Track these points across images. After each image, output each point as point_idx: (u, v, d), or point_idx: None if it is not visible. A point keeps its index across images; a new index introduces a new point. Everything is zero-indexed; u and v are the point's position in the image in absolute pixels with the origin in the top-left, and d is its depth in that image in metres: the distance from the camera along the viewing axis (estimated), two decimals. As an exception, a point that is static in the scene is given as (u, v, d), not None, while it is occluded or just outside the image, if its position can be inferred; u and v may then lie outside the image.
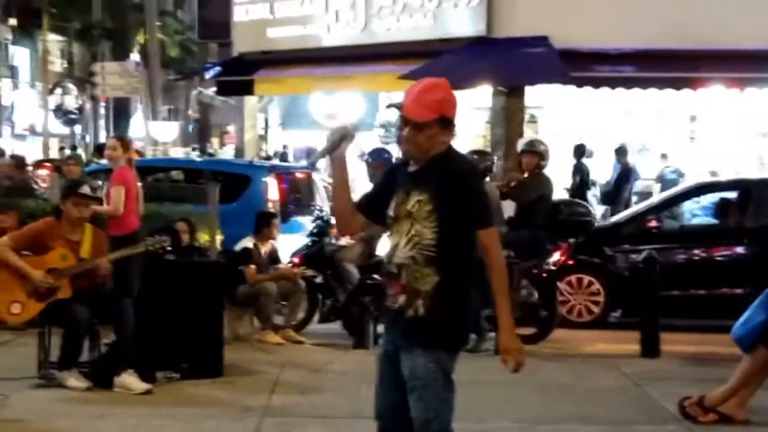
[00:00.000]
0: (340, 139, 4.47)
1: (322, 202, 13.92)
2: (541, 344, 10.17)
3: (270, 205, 12.61)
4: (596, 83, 16.41)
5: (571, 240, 11.41)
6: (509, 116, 16.67)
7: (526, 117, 17.53)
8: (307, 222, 12.64)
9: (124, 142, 10.36)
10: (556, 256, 11.20)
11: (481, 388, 7.81)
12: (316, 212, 11.36)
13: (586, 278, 11.76)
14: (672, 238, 12.13)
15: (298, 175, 14.43)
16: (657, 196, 14.36)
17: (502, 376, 8.39)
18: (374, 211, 4.51)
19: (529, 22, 16.23)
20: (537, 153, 10.43)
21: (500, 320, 4.34)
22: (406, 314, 4.34)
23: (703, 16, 15.68)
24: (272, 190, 12.96)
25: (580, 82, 16.02)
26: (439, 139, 4.35)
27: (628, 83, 16.39)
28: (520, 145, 10.95)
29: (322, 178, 14.90)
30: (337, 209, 4.68)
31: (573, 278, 11.77)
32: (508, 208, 10.64)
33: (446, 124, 4.36)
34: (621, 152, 18.72)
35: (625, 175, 18.53)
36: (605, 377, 8.57)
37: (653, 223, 12.00)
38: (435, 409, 4.33)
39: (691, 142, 20.60)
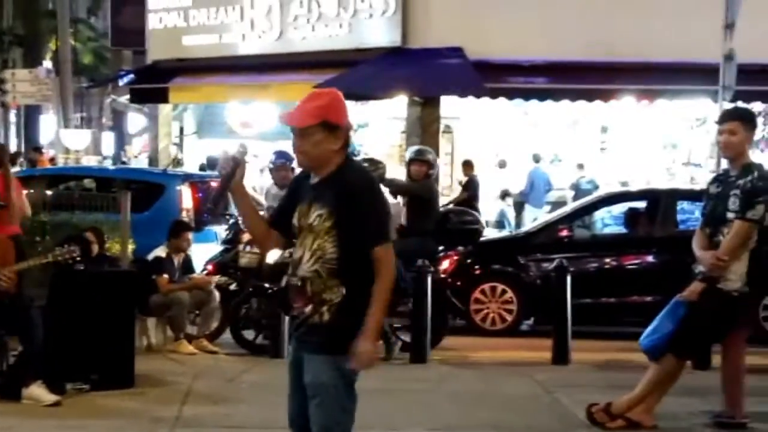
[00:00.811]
0: (233, 168, 4.44)
1: (236, 210, 13.82)
2: (454, 352, 10.24)
3: (184, 213, 12.49)
4: (510, 94, 16.63)
5: (461, 248, 11.54)
6: (424, 126, 16.80)
7: (441, 127, 17.68)
8: (221, 231, 12.55)
9: None
10: (445, 264, 11.32)
11: (393, 396, 7.85)
12: (231, 220, 11.29)
13: (500, 287, 11.87)
14: (583, 247, 12.30)
15: (213, 183, 14.31)
16: (568, 206, 14.56)
17: (415, 384, 8.54)
18: (284, 226, 4.51)
19: (444, 33, 16.39)
20: (425, 161, 10.60)
21: (367, 324, 4.27)
22: (310, 321, 4.34)
23: (614, 29, 15.98)
24: (186, 198, 12.85)
25: (494, 93, 16.22)
26: (327, 146, 4.33)
27: (541, 95, 16.65)
28: (409, 153, 11.12)
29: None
30: (252, 234, 4.72)
31: (487, 286, 11.87)
32: (398, 216, 10.72)
33: (331, 129, 4.32)
34: (469, 165, 18.69)
35: (473, 186, 18.38)
36: (517, 384, 8.65)
37: (565, 232, 12.17)
38: (335, 416, 4.33)
39: (603, 153, 20.96)
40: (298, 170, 4.78)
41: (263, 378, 8.59)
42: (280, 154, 10.68)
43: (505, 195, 20.12)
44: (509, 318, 11.85)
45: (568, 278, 9.64)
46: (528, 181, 19.96)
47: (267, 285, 9.91)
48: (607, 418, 6.96)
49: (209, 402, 7.78)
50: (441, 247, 11.14)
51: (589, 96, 16.50)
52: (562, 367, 9.40)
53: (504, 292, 11.85)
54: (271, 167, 10.39)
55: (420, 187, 10.46)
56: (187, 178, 13.75)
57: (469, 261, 12.21)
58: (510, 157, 20.71)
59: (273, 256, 9.93)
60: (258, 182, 20.04)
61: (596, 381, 8.65)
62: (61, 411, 7.28)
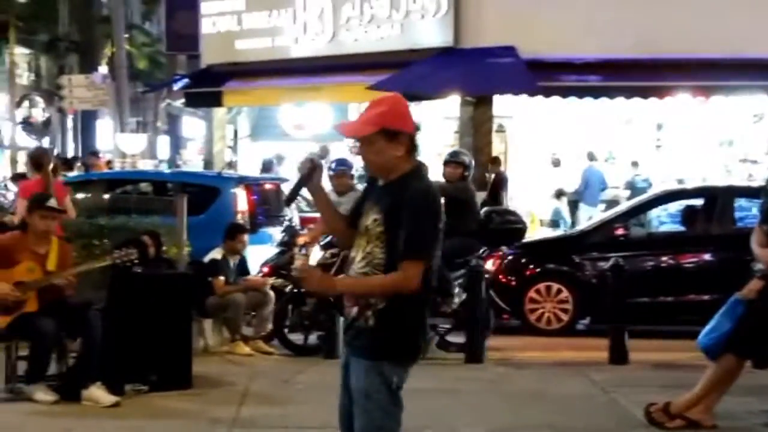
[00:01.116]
0: (310, 171, 4.45)
1: (291, 212, 13.90)
2: (510, 352, 10.21)
3: (239, 216, 12.58)
4: (563, 93, 16.52)
5: (504, 248, 11.45)
6: (477, 126, 16.77)
7: (494, 126, 17.62)
8: (276, 233, 12.61)
9: (33, 161, 10.96)
10: (489, 264, 11.23)
11: (449, 396, 7.84)
12: (285, 222, 11.35)
13: (555, 286, 11.81)
14: (639, 246, 12.20)
15: (267, 186, 14.41)
16: (624, 204, 14.44)
17: (471, 384, 8.52)
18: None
19: (496, 32, 16.33)
20: (460, 163, 10.57)
21: (347, 279, 4.35)
22: (356, 324, 4.34)
23: (668, 25, 15.83)
24: (241, 201, 12.94)
25: (547, 92, 16.13)
26: (389, 153, 4.29)
27: (595, 92, 16.52)
28: (444, 155, 11.11)
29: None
30: (334, 233, 4.68)
31: (542, 286, 11.82)
32: None
33: (392, 136, 4.28)
34: (496, 162, 18.46)
35: (500, 183, 18.15)
36: (574, 384, 8.60)
37: (620, 231, 12.07)
38: (377, 421, 4.30)
39: (658, 150, 20.76)
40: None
41: (318, 379, 8.62)
42: (340, 162, 10.69)
43: (560, 194, 20.00)
44: (565, 317, 11.79)
45: (625, 277, 9.56)
46: (582, 180, 19.81)
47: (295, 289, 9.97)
48: (666, 418, 6.90)
49: (266, 403, 7.84)
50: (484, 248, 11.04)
51: (644, 93, 16.35)
52: (619, 366, 9.32)
53: (559, 291, 11.80)
54: (330, 174, 10.38)
55: (455, 188, 10.37)
56: (241, 180, 13.85)
57: (524, 260, 12.18)
58: (564, 156, 20.59)
59: (315, 256, 10.02)
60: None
61: (654, 380, 8.58)
62: (120, 412, 7.36)
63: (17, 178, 21.99)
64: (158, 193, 13.83)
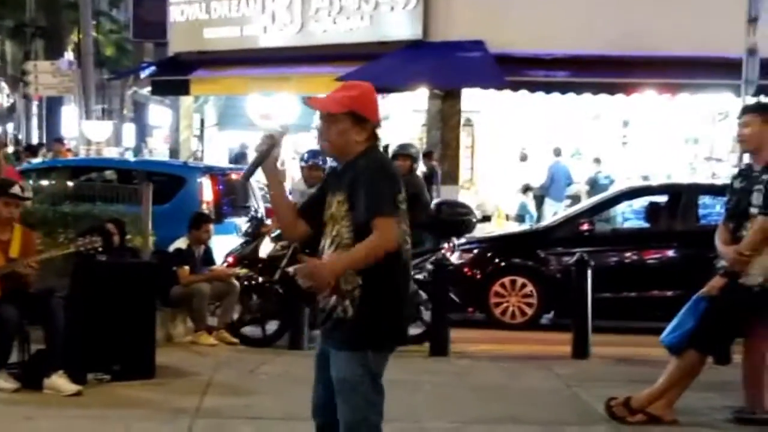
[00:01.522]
0: (270, 147, 4.44)
1: (257, 202, 13.85)
2: (474, 345, 10.24)
3: (204, 206, 12.52)
4: (531, 87, 16.59)
5: (454, 239, 11.42)
6: (445, 119, 16.81)
7: (462, 120, 17.65)
8: (241, 223, 12.57)
9: None
10: (440, 256, 11.19)
11: (416, 389, 7.85)
12: (251, 212, 11.32)
13: (520, 280, 11.85)
14: (604, 241, 12.25)
15: (233, 176, 14.35)
16: (590, 200, 14.50)
17: (437, 377, 8.54)
18: (311, 215, 4.50)
19: (465, 26, 16.38)
20: (408, 156, 10.64)
21: (334, 258, 4.25)
22: (334, 315, 4.34)
23: (637, 22, 15.94)
24: (207, 191, 12.88)
25: (515, 87, 16.19)
26: (352, 137, 4.33)
27: (563, 88, 16.61)
28: (392, 149, 11.18)
29: (257, 179, 14.80)
30: (279, 217, 4.65)
31: (507, 280, 11.86)
32: None
33: (358, 120, 4.33)
34: (428, 156, 18.30)
35: (431, 177, 18.07)
36: (538, 378, 8.64)
37: (585, 226, 12.12)
38: (362, 411, 4.33)
39: (624, 147, 20.90)
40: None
41: (283, 369, 8.61)
42: (313, 153, 10.65)
43: (526, 189, 20.08)
44: (529, 312, 11.84)
45: (589, 272, 9.61)
46: (548, 175, 19.92)
47: (261, 279, 9.98)
48: (627, 413, 6.94)
49: (230, 393, 7.81)
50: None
51: (611, 89, 16.46)
52: (582, 361, 9.37)
53: (524, 285, 11.84)
54: (302, 165, 10.35)
55: (405, 181, 10.39)
56: (207, 170, 13.79)
57: (489, 254, 12.21)
58: (531, 151, 20.67)
59: (266, 249, 10.03)
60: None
61: (616, 375, 8.63)
62: (82, 401, 7.31)
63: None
64: (123, 181, 13.72)
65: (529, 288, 11.82)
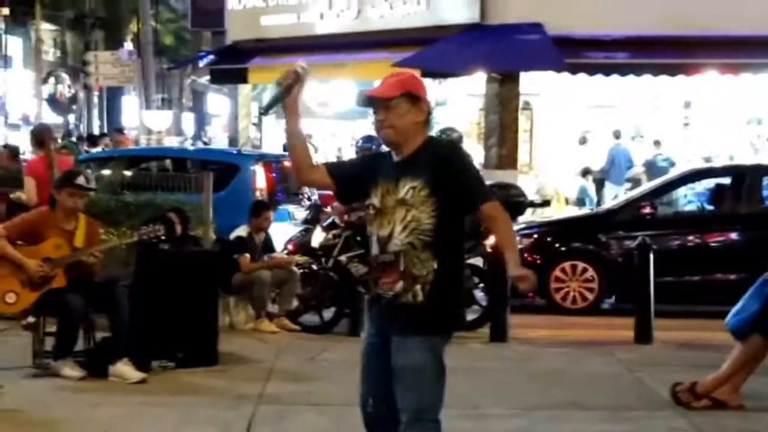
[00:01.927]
0: (293, 82, 4.44)
1: (311, 190, 13.91)
2: (535, 330, 10.20)
3: (258, 193, 12.62)
4: (590, 70, 16.41)
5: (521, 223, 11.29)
6: (503, 103, 16.67)
7: (520, 104, 17.53)
8: (294, 210, 12.64)
9: (35, 138, 10.81)
10: (492, 239, 11.05)
11: (475, 375, 7.84)
12: (309, 201, 11.36)
13: (581, 265, 11.76)
14: (666, 225, 12.13)
15: (287, 163, 14.41)
16: (652, 182, 14.33)
17: (496, 363, 8.52)
18: (340, 179, 4.49)
19: (523, 8, 16.22)
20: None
21: (508, 258, 4.31)
22: (401, 300, 4.32)
23: (697, 1, 15.68)
24: (260, 178, 12.96)
25: (574, 69, 16.03)
26: (411, 118, 4.36)
27: (623, 69, 16.40)
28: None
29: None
30: (293, 156, 4.56)
31: (567, 265, 11.78)
32: None
33: (414, 100, 4.38)
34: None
35: None
36: (599, 363, 8.59)
37: (647, 210, 11.98)
38: (428, 398, 4.32)
39: (685, 128, 20.61)
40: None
41: (343, 356, 8.62)
42: (367, 138, 10.67)
43: (586, 172, 19.89)
44: (590, 296, 11.75)
45: (651, 256, 9.51)
46: (608, 158, 19.71)
47: (315, 266, 10.04)
48: (692, 398, 6.88)
49: (292, 380, 7.86)
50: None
51: (672, 70, 16.21)
52: (644, 346, 9.30)
53: (585, 270, 11.75)
54: (357, 150, 10.41)
55: None
56: (261, 158, 13.88)
57: (549, 239, 12.14)
58: (591, 134, 20.48)
59: (317, 238, 10.09)
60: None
61: (680, 360, 8.55)
62: (147, 388, 7.40)
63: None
64: (179, 170, 13.85)
65: (590, 273, 11.74)
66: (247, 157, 14.10)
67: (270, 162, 13.60)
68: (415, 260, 4.30)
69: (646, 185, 14.38)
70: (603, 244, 11.95)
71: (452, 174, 4.30)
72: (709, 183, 13.03)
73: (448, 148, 4.46)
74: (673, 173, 14.46)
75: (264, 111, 5.14)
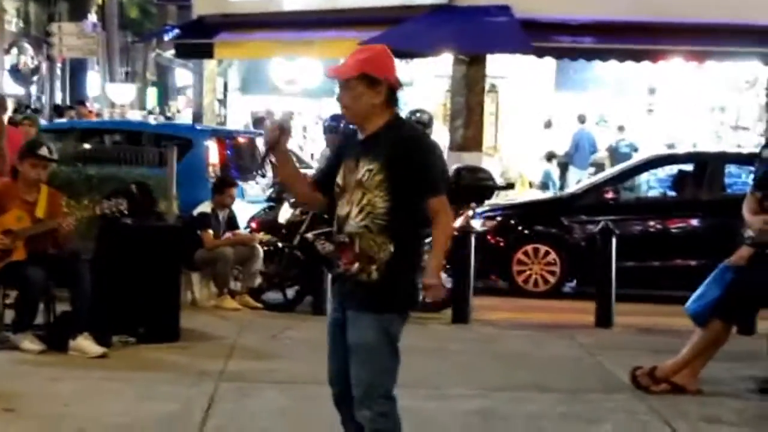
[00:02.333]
0: (278, 135, 4.45)
1: (265, 168, 13.82)
2: (497, 313, 10.24)
3: (210, 169, 12.57)
4: (557, 54, 16.45)
5: (473, 205, 11.31)
6: (470, 85, 16.66)
7: (487, 86, 17.53)
8: (248, 187, 12.59)
9: None
10: (459, 222, 11.08)
11: (438, 356, 7.87)
12: (263, 178, 11.30)
13: (543, 248, 11.82)
14: (628, 210, 12.20)
15: (241, 139, 14.35)
16: (616, 167, 14.41)
17: (460, 344, 8.55)
18: (327, 185, 4.52)
19: (492, -10, 16.20)
20: (420, 122, 10.50)
21: (430, 263, 4.37)
22: (357, 278, 4.33)
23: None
24: (213, 153, 12.90)
25: (540, 52, 16.05)
26: (367, 100, 4.33)
27: (589, 54, 16.45)
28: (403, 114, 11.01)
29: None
30: (299, 197, 4.81)
31: (529, 248, 11.83)
32: None
33: (372, 82, 4.32)
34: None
35: None
36: (561, 346, 8.64)
37: (610, 194, 12.05)
38: (378, 375, 4.34)
39: (649, 114, 20.74)
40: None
41: (306, 334, 8.64)
42: (333, 117, 10.64)
43: (550, 156, 19.98)
44: (552, 280, 11.81)
45: (614, 240, 9.57)
46: (573, 143, 19.81)
47: (281, 244, 10.01)
48: (651, 382, 6.94)
49: (254, 357, 7.85)
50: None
51: (637, 56, 16.27)
52: (605, 330, 9.37)
53: (547, 253, 11.80)
54: (323, 130, 10.41)
55: None
56: (215, 133, 13.82)
57: (512, 222, 12.18)
58: (556, 118, 20.55)
59: (285, 214, 10.05)
60: (300, 141, 20.16)
61: (640, 344, 8.62)
62: (108, 363, 7.37)
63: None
64: (133, 143, 13.74)
65: (552, 256, 11.79)
66: (201, 132, 14.04)
67: (224, 138, 13.54)
68: (371, 243, 4.30)
69: (610, 170, 14.45)
70: (565, 228, 12.01)
71: (408, 161, 4.27)
72: (672, 169, 13.13)
73: (410, 133, 4.38)
74: (636, 159, 14.55)
75: (258, 168, 5.19)
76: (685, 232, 11.94)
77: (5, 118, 10.39)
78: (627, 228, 11.51)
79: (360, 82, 4.31)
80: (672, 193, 12.97)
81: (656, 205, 12.81)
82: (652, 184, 14.31)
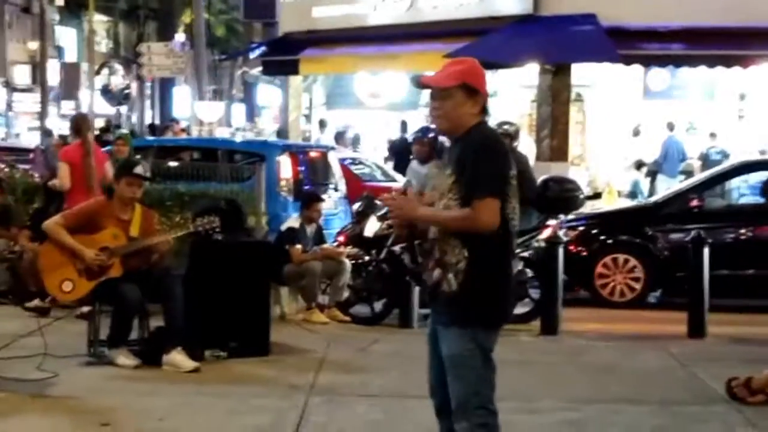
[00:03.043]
0: (409, 231, 4.41)
1: (339, 181, 13.96)
2: (583, 324, 10.12)
3: (282, 183, 12.70)
4: (645, 61, 16.28)
5: (561, 216, 11.21)
6: (555, 95, 16.59)
7: (573, 95, 17.43)
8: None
9: (73, 125, 11.00)
10: (547, 233, 10.99)
11: (528, 368, 7.83)
12: (336, 191, 11.37)
13: (624, 257, 11.60)
14: (715, 217, 11.93)
15: (313, 153, 14.47)
16: (701, 175, 14.14)
17: (550, 356, 8.50)
18: None
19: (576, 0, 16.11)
20: (506, 135, 10.42)
21: (430, 208, 4.33)
22: (440, 289, 4.33)
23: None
24: (285, 168, 13.03)
25: (628, 60, 15.89)
26: (466, 110, 4.36)
27: (677, 61, 16.25)
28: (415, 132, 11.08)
29: (338, 157, 15.02)
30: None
31: (611, 258, 11.62)
32: None
33: (471, 93, 4.36)
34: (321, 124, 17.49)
35: None
36: (652, 357, 8.52)
37: (696, 202, 11.81)
38: (473, 386, 4.33)
39: (740, 121, 20.36)
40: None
41: (394, 347, 8.66)
42: (421, 129, 10.69)
43: (639, 165, 19.72)
44: (637, 288, 11.59)
45: (706, 250, 9.41)
46: (662, 150, 19.53)
47: (368, 258, 10.04)
48: (747, 393, 6.81)
49: (343, 370, 7.89)
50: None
51: (727, 62, 16.00)
52: (698, 340, 9.21)
53: (629, 262, 11.58)
54: (412, 140, 10.47)
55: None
56: (286, 148, 13.97)
57: (594, 231, 12.01)
58: (644, 126, 20.30)
59: (372, 228, 10.08)
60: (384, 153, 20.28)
61: (734, 355, 8.46)
62: (200, 377, 7.47)
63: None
64: (208, 159, 13.97)
65: (635, 265, 11.56)
66: (273, 147, 14.21)
67: (296, 153, 13.67)
68: (446, 247, 4.30)
69: (694, 178, 14.20)
70: (650, 237, 11.80)
71: (467, 162, 4.28)
72: (761, 175, 12.83)
73: (478, 137, 4.34)
74: (725, 165, 14.27)
75: (413, 268, 4.84)
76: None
77: (91, 137, 10.69)
78: (714, 236, 11.24)
79: (459, 92, 4.34)
80: (762, 200, 12.68)
81: (745, 212, 12.53)
82: (742, 191, 14.02)
